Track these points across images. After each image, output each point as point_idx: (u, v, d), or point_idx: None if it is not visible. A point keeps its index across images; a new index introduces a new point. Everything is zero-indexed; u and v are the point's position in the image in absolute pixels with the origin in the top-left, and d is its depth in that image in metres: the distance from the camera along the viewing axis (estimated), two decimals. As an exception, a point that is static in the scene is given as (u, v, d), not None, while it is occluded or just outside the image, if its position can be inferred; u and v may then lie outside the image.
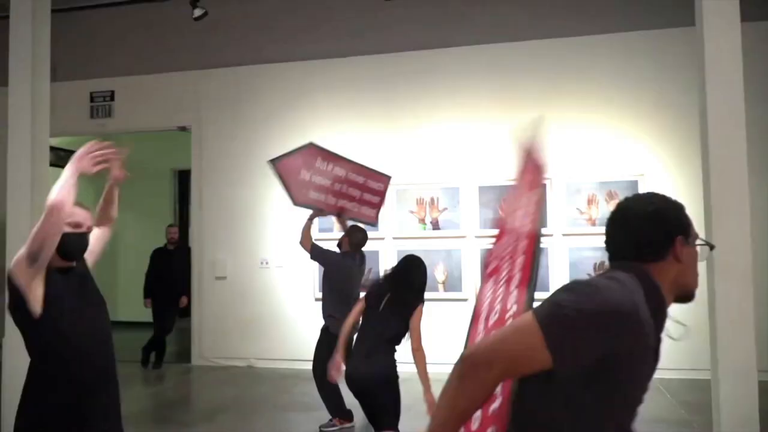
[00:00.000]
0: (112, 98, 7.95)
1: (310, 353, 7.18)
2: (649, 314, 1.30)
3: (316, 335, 6.33)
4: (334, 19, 6.51)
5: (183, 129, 7.72)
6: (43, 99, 4.95)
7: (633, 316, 1.26)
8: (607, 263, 1.52)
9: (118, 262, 10.76)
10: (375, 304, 4.00)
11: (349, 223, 5.34)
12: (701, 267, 1.48)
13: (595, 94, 6.85)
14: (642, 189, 6.69)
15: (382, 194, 5.67)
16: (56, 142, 10.08)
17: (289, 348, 7.28)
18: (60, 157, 10.59)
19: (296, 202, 5.03)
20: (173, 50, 7.50)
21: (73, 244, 2.48)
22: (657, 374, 5.51)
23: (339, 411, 5.09)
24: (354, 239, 5.12)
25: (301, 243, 5.11)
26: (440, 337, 6.33)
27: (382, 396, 3.77)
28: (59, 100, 7.81)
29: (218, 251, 7.66)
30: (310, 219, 5.17)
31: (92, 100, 7.99)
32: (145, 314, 7.69)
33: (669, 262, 1.41)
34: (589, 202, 6.84)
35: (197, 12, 5.65)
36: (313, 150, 5.12)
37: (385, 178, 5.69)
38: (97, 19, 7.28)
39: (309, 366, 7.14)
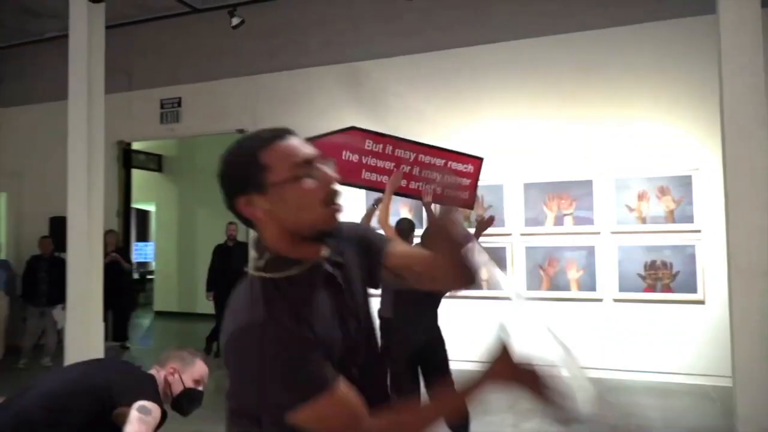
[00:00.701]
0: (179, 104, 8.53)
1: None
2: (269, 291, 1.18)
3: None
4: (376, 20, 6.67)
5: (241, 131, 8.14)
6: (98, 111, 5.43)
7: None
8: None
9: (197, 258, 11.48)
10: None
11: (435, 207, 5.24)
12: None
13: (643, 85, 6.58)
14: (697, 184, 6.39)
15: (472, 176, 5.35)
16: (141, 146, 10.93)
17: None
18: (141, 161, 11.47)
19: (343, 182, 4.84)
20: (232, 57, 7.96)
21: (191, 399, 2.56)
22: (710, 381, 5.33)
23: None
24: (399, 226, 5.03)
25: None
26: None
27: (442, 352, 4.11)
28: (134, 107, 8.52)
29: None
30: (374, 204, 5.04)
31: (162, 106, 8.60)
32: (178, 305, 8.21)
33: (257, 222, 1.20)
34: (639, 198, 6.59)
35: (235, 21, 5.98)
36: (355, 132, 4.89)
37: (474, 161, 5.34)
38: (165, 29, 7.86)
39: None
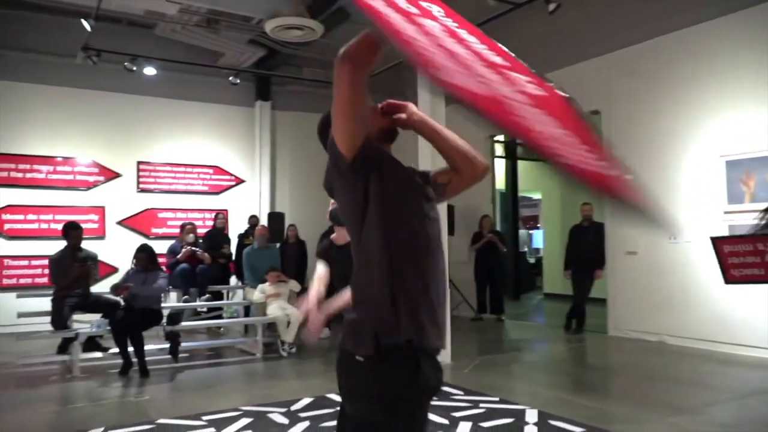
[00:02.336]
0: (537, 95, 9.08)
1: (723, 334, 6.78)
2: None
3: (733, 317, 6.62)
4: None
5: (596, 113, 8.18)
6: (440, 112, 6.35)
7: None
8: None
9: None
10: None
11: None
12: None
13: None
14: None
15: None
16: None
17: (703, 328, 6.95)
18: (526, 152, 12.40)
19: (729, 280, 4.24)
20: (576, 42, 8.18)
21: None
22: None
23: None
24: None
25: None
26: None
27: None
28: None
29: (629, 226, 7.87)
30: None
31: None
32: (563, 287, 8.59)
33: None
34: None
35: (551, 6, 6.15)
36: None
37: None
38: (505, 27, 8.42)
39: (722, 348, 6.70)
